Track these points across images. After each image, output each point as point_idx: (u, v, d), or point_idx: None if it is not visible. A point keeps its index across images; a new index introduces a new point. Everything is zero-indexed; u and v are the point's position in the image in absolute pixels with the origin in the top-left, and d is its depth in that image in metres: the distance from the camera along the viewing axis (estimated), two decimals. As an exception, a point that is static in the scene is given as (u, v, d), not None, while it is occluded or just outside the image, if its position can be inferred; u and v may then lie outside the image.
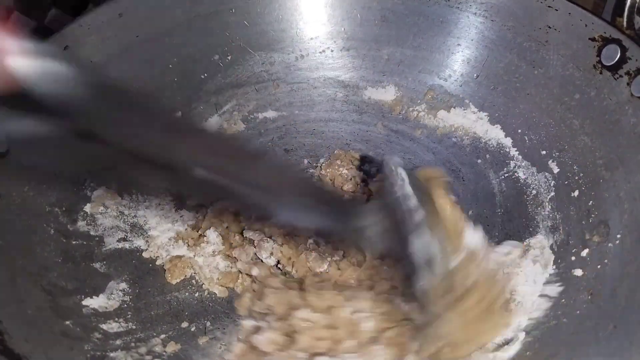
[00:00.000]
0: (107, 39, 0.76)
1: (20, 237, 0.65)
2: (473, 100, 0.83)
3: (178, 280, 0.72)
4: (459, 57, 0.83)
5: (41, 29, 0.95)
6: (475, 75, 0.82)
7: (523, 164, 0.78)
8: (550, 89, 0.75)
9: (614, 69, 0.68)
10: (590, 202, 0.69)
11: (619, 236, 0.63)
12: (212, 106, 0.85)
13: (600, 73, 0.70)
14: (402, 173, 0.60)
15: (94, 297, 0.66)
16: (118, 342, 0.63)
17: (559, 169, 0.73)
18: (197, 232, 0.76)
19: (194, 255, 0.74)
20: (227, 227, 0.75)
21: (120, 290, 0.69)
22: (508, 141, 0.80)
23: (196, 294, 0.72)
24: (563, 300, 0.64)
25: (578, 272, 0.65)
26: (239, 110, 0.86)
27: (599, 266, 0.63)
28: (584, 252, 0.66)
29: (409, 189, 0.59)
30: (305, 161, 0.84)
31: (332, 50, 0.87)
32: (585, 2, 0.86)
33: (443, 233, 0.58)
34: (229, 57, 0.85)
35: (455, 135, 0.84)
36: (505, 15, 0.78)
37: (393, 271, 0.67)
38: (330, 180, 0.81)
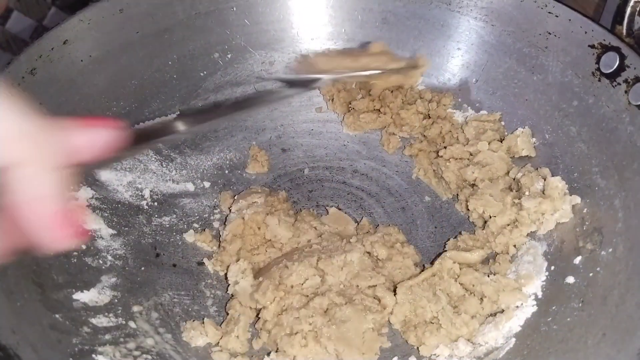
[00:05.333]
0: (108, 34, 0.77)
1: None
2: (471, 104, 0.82)
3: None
4: (459, 61, 0.83)
5: (41, 28, 0.96)
6: (474, 79, 0.82)
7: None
8: (549, 95, 0.75)
9: (613, 76, 0.68)
10: (585, 209, 0.68)
11: (611, 244, 0.63)
12: (211, 104, 0.85)
13: (599, 80, 0.69)
14: None
15: (84, 291, 0.66)
16: (107, 336, 0.63)
17: (554, 176, 0.73)
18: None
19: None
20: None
21: (112, 286, 0.69)
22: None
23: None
24: (554, 307, 0.64)
25: (570, 280, 0.65)
26: (237, 109, 0.86)
27: (590, 274, 0.63)
28: (577, 260, 0.65)
29: None
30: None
31: (332, 51, 0.87)
32: (586, 7, 0.86)
33: None
34: (229, 56, 0.85)
35: (452, 139, 0.84)
36: (506, 20, 0.78)
37: None
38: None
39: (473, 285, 0.67)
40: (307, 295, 0.69)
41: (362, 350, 0.66)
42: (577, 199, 0.69)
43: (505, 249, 0.71)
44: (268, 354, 0.67)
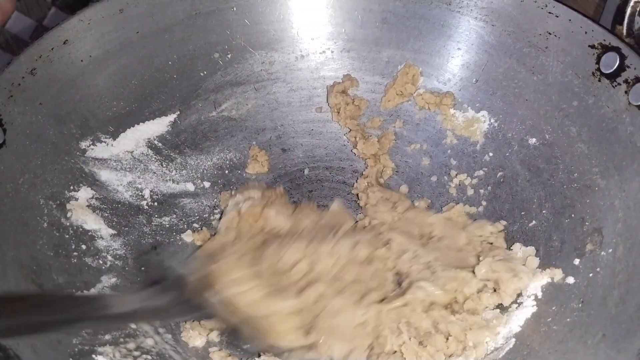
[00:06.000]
0: (107, 33, 0.77)
1: (13, 229, 0.65)
2: (472, 104, 0.82)
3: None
4: (459, 61, 0.83)
5: (41, 28, 0.96)
6: (474, 79, 0.82)
7: (519, 169, 0.77)
8: (549, 95, 0.75)
9: (613, 77, 0.68)
10: (585, 210, 0.68)
11: (611, 245, 0.63)
12: (211, 104, 0.85)
13: (599, 81, 0.69)
14: None
15: (85, 291, 0.67)
16: (107, 337, 0.63)
17: (554, 176, 0.73)
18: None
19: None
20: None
21: (112, 286, 0.69)
22: (505, 146, 0.79)
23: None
24: (554, 308, 0.64)
25: (570, 280, 0.65)
26: (237, 109, 0.86)
27: (590, 274, 0.63)
28: (577, 260, 0.66)
29: None
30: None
31: (332, 51, 0.87)
32: (586, 7, 0.86)
33: None
34: (229, 55, 0.85)
35: (452, 139, 0.83)
36: (506, 20, 0.78)
37: None
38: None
39: (438, 323, 0.66)
40: (297, 283, 0.68)
41: (352, 345, 0.65)
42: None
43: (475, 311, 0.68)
44: (259, 355, 0.67)
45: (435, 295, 0.67)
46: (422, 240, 0.75)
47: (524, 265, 0.68)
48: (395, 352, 0.66)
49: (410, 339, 0.65)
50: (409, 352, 0.65)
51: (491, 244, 0.73)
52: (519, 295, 0.68)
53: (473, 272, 0.69)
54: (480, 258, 0.70)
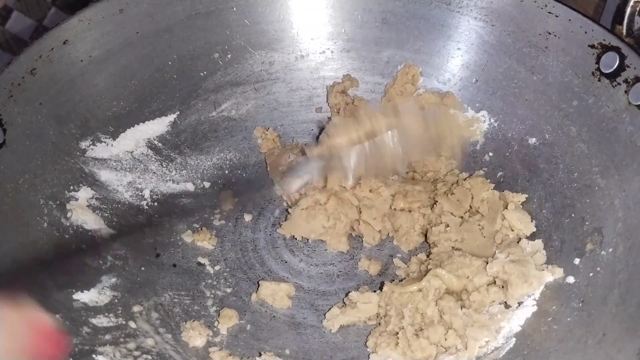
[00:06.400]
0: (107, 34, 0.77)
1: (13, 229, 0.65)
2: (471, 104, 0.82)
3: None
4: (459, 61, 0.83)
5: (41, 28, 0.96)
6: (474, 79, 0.82)
7: (519, 169, 0.77)
8: (549, 95, 0.75)
9: (613, 76, 0.68)
10: (585, 209, 0.68)
11: (611, 244, 0.63)
12: (211, 104, 0.85)
13: (599, 80, 0.69)
14: None
15: (84, 291, 0.66)
16: (107, 337, 0.63)
17: (554, 176, 0.73)
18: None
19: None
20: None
21: (112, 286, 0.69)
22: (505, 146, 0.79)
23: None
24: (554, 307, 0.64)
25: (570, 280, 0.65)
26: (237, 109, 0.86)
27: (591, 274, 0.63)
28: (577, 260, 0.66)
29: None
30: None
31: (332, 52, 0.87)
32: (586, 7, 0.86)
33: None
34: (229, 56, 0.85)
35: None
36: (506, 20, 0.78)
37: None
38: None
39: (444, 314, 0.66)
40: None
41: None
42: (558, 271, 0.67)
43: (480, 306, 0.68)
44: (259, 355, 0.67)
45: (448, 280, 0.67)
46: (465, 214, 0.76)
47: (536, 269, 0.67)
48: (397, 333, 0.66)
49: (408, 326, 0.65)
50: (403, 338, 0.65)
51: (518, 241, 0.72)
52: None
53: (487, 262, 0.68)
54: (497, 252, 0.70)
